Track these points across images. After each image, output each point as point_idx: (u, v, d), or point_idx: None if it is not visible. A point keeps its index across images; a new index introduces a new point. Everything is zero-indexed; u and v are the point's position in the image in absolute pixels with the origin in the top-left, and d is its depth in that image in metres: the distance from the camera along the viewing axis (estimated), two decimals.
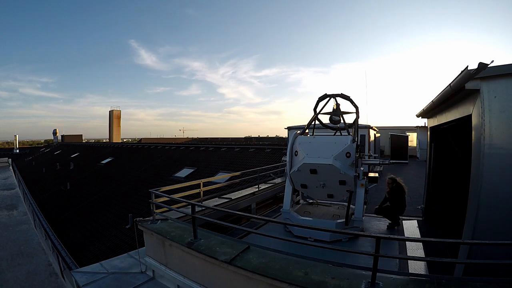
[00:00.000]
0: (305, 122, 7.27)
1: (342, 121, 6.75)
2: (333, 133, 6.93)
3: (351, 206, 6.00)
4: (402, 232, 6.49)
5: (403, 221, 7.12)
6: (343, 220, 5.91)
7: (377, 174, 7.00)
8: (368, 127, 13.12)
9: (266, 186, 9.12)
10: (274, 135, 46.48)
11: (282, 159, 7.56)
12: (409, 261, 4.48)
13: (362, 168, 6.10)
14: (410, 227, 6.81)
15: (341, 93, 6.43)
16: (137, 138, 66.14)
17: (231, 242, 4.03)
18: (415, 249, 5.20)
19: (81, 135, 61.49)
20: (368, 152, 10.14)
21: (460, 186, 5.09)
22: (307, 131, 6.79)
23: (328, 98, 6.57)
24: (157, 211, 5.19)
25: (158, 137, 62.53)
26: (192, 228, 4.19)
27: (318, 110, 6.68)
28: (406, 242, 5.42)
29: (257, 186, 8.55)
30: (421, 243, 5.38)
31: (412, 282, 2.86)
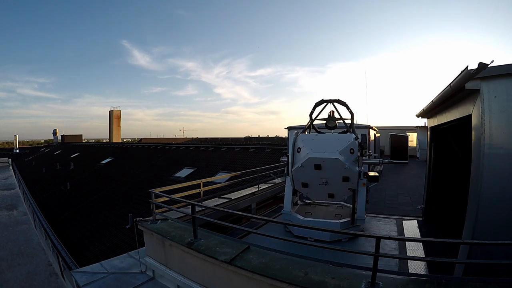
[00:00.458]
0: (304, 122, 7.29)
1: (342, 122, 6.77)
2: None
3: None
4: (402, 232, 6.49)
5: (403, 221, 7.12)
6: (347, 219, 5.90)
7: (377, 174, 7.01)
8: (368, 127, 13.13)
9: (266, 186, 9.12)
10: (274, 135, 46.43)
11: (281, 159, 7.54)
12: (409, 261, 4.49)
13: (362, 168, 6.11)
14: (410, 227, 6.81)
15: (338, 99, 6.53)
16: (137, 138, 66.07)
17: (231, 242, 4.03)
18: (415, 249, 5.21)
19: (81, 135, 61.55)
20: (368, 152, 10.14)
21: (460, 186, 5.08)
22: (306, 132, 6.80)
23: (324, 104, 6.64)
24: (157, 211, 5.19)
25: (158, 137, 62.52)
26: (192, 228, 4.19)
27: (314, 115, 6.76)
28: (406, 242, 5.42)
29: (257, 186, 8.56)
30: (421, 243, 5.39)
31: (412, 282, 2.87)
